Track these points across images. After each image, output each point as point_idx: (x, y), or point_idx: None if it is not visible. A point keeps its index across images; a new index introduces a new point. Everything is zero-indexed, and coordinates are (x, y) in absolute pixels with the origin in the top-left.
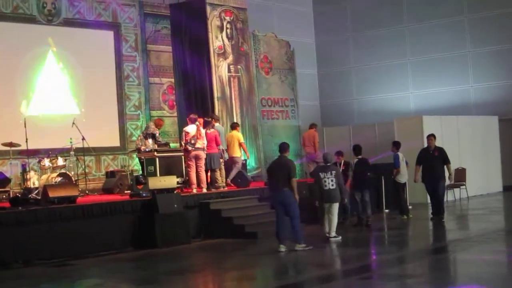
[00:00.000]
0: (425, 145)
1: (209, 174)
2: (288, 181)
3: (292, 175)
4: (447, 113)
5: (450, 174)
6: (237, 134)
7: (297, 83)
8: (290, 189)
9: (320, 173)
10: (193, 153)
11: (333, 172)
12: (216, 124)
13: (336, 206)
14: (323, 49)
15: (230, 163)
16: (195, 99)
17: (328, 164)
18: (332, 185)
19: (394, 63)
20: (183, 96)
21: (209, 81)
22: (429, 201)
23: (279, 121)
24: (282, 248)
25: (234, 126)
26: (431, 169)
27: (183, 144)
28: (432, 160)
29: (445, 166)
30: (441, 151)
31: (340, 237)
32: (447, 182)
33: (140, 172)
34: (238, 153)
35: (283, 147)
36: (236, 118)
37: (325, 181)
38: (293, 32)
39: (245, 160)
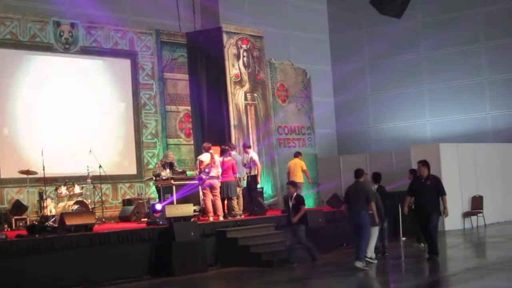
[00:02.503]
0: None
1: (226, 202)
2: (367, 204)
3: (371, 198)
4: (464, 140)
5: (444, 208)
6: (300, 162)
7: (313, 111)
8: (366, 212)
9: None
10: (208, 181)
11: None
12: (233, 153)
13: (375, 229)
14: (339, 77)
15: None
16: (212, 127)
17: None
18: None
19: (410, 91)
20: (200, 124)
21: (226, 109)
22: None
23: (296, 149)
24: (359, 265)
25: (296, 154)
26: (423, 201)
27: (197, 172)
28: (424, 190)
29: (440, 199)
30: (435, 180)
31: (376, 261)
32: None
33: (157, 199)
34: (300, 179)
35: (359, 173)
36: (253, 146)
37: None
38: (309, 60)
39: (262, 188)
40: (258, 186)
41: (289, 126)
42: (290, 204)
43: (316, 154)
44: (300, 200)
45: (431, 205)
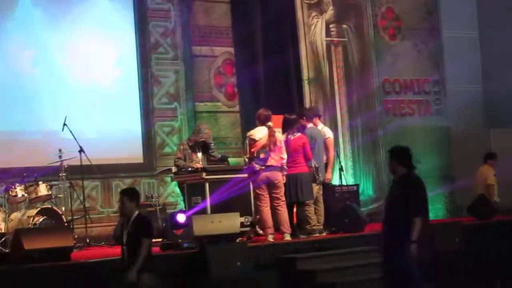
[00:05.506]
0: None
1: (295, 209)
2: None
3: None
4: None
5: (411, 240)
6: (487, 170)
7: (444, 55)
8: None
9: None
10: (264, 174)
11: None
12: (309, 125)
13: None
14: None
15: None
16: (271, 82)
17: None
18: None
19: None
20: (251, 78)
21: (294, 52)
22: None
23: (413, 120)
24: None
25: (486, 157)
26: (384, 222)
27: (246, 160)
28: (388, 204)
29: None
30: (407, 185)
31: None
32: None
33: (181, 205)
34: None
35: None
36: (341, 114)
37: None
38: None
39: (357, 185)
40: (350, 182)
41: (403, 80)
42: (124, 234)
43: (448, 128)
44: (144, 228)
45: (397, 232)
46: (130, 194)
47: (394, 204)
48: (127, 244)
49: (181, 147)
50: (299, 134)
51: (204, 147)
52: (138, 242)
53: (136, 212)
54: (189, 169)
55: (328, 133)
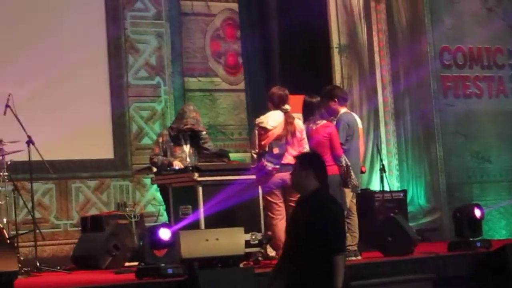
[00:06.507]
0: None
1: None
2: None
3: None
4: None
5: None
6: None
7: None
8: None
9: None
10: (279, 176)
11: None
12: (343, 110)
13: None
14: None
15: None
16: (288, 51)
17: None
18: None
19: None
20: (260, 44)
21: (321, 9)
22: None
23: (482, 103)
24: None
25: None
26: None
27: (254, 156)
28: (290, 233)
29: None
30: (322, 207)
31: None
32: None
33: (164, 217)
34: None
35: None
36: (383, 95)
37: None
38: None
39: (404, 192)
40: (394, 187)
41: (468, 49)
42: None
43: None
44: None
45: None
46: None
47: (300, 234)
48: None
49: (160, 140)
50: (323, 121)
51: (193, 137)
52: None
53: None
54: (176, 167)
55: (360, 123)
